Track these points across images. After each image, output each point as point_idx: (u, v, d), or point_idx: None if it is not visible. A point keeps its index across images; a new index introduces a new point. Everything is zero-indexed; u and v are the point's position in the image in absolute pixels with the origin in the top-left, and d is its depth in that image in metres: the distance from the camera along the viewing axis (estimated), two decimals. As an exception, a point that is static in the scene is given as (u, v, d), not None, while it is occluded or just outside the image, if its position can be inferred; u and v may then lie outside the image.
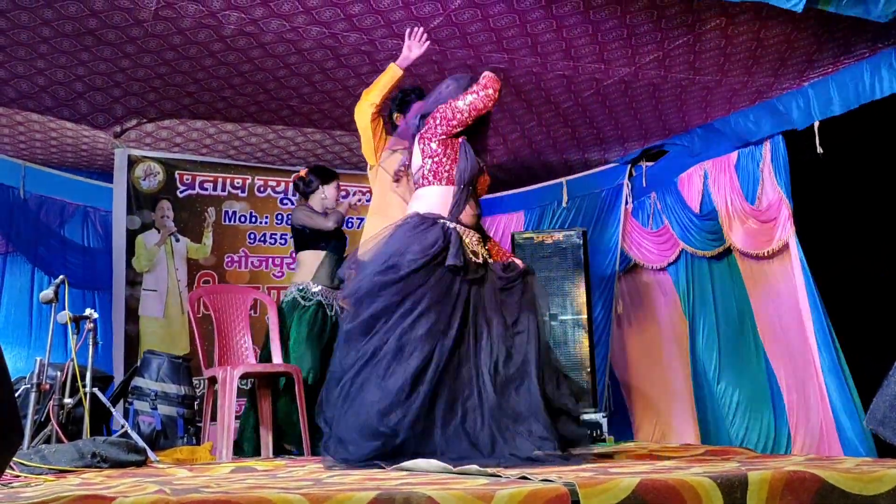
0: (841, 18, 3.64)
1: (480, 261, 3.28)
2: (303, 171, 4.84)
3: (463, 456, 2.90)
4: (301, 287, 4.76)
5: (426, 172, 3.35)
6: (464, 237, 3.27)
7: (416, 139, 3.44)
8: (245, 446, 4.62)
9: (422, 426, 3.00)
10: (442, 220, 3.26)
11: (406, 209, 3.46)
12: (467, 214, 3.33)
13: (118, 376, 5.35)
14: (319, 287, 4.75)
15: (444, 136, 3.33)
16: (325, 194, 4.95)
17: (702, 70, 4.57)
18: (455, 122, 3.32)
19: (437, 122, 3.34)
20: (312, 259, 4.80)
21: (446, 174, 3.33)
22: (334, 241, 4.86)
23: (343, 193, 5.43)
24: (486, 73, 3.41)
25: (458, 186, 3.31)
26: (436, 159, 3.33)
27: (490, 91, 3.33)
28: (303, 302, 4.71)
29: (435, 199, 3.32)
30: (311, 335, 4.64)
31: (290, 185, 6.14)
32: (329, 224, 4.78)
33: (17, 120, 5.43)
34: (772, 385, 4.92)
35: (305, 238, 4.83)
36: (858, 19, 3.43)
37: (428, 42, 4.02)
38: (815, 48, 4.23)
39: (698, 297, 5.49)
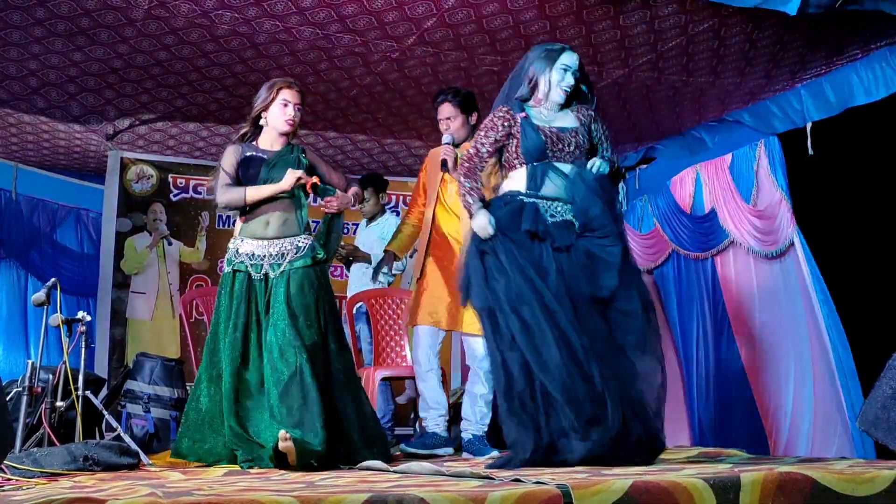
0: (832, 19, 3.65)
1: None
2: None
3: None
4: None
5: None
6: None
7: None
8: None
9: None
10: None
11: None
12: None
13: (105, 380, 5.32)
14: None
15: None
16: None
17: (695, 72, 4.58)
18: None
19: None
20: None
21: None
22: None
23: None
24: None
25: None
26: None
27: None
28: None
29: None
30: None
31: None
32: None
33: (9, 122, 5.42)
34: (753, 387, 4.93)
35: None
36: (851, 18, 3.44)
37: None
38: (808, 49, 4.24)
39: (687, 299, 5.50)
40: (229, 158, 3.63)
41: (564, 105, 3.38)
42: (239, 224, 3.73)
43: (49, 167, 6.16)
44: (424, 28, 4.16)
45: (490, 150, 3.35)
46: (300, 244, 3.60)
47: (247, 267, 3.59)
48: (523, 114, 3.34)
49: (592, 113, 3.43)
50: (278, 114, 3.61)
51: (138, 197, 6.01)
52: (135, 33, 4.27)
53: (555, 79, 3.33)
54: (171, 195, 6.11)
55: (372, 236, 5.32)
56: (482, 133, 3.36)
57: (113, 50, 4.46)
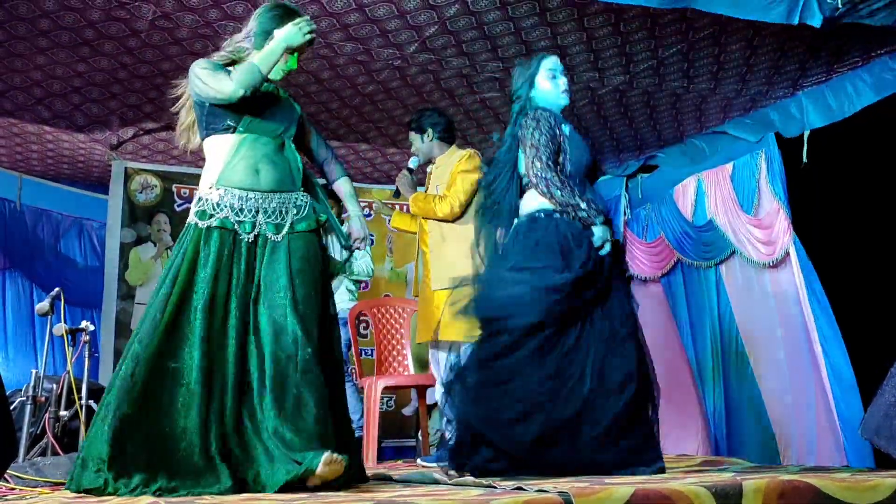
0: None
1: None
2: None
3: None
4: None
5: None
6: None
7: None
8: None
9: None
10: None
11: None
12: None
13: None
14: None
15: None
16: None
17: (696, 78, 4.58)
18: None
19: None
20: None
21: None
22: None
23: None
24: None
25: None
26: None
27: None
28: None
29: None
30: None
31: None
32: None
33: (13, 132, 5.45)
34: (761, 396, 4.91)
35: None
36: (851, 26, 3.44)
37: None
38: (809, 56, 4.24)
39: (692, 308, 5.48)
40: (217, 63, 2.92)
41: None
42: (212, 170, 2.93)
43: (53, 177, 6.17)
44: (426, 35, 4.17)
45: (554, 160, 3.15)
46: (299, 202, 2.93)
47: (233, 223, 2.81)
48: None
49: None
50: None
51: (142, 207, 6.02)
52: (139, 44, 4.29)
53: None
54: (176, 205, 6.12)
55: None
56: (541, 145, 3.15)
57: (117, 60, 4.48)
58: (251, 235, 2.82)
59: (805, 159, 4.46)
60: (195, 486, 2.50)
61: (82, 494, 2.54)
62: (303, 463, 2.48)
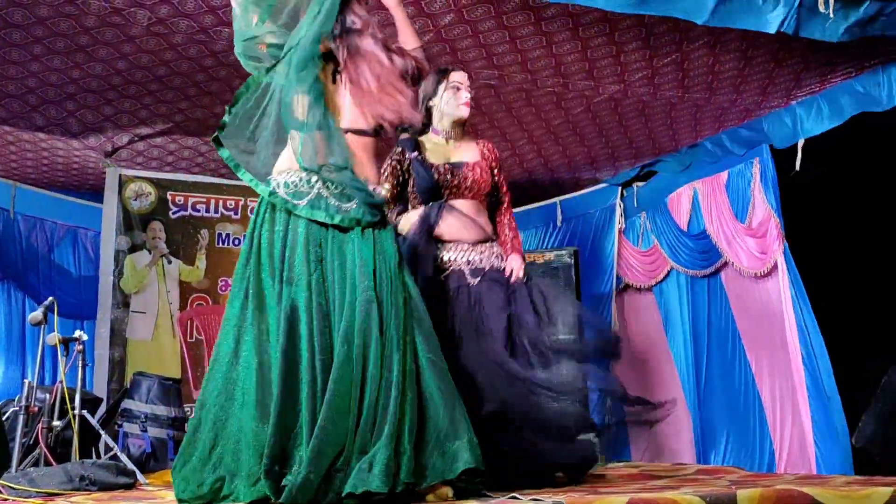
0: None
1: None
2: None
3: None
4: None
5: None
6: None
7: None
8: None
9: None
10: None
11: None
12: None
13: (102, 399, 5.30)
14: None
15: None
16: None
17: (690, 88, 4.59)
18: None
19: None
20: None
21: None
22: None
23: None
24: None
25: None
26: None
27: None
28: None
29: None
30: None
31: None
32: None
33: (7, 140, 5.43)
34: (757, 403, 4.91)
35: None
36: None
37: None
38: (803, 67, 4.25)
39: (686, 316, 5.49)
40: None
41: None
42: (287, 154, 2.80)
43: (47, 185, 6.15)
44: (421, 44, 4.16)
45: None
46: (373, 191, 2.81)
47: (325, 206, 2.67)
48: None
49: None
50: None
51: (137, 215, 6.01)
52: (133, 49, 4.28)
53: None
54: (171, 213, 6.10)
55: None
56: None
57: (112, 66, 4.48)
58: (335, 222, 2.76)
59: (797, 168, 4.46)
60: None
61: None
62: None
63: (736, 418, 5.05)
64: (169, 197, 6.09)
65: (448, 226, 3.27)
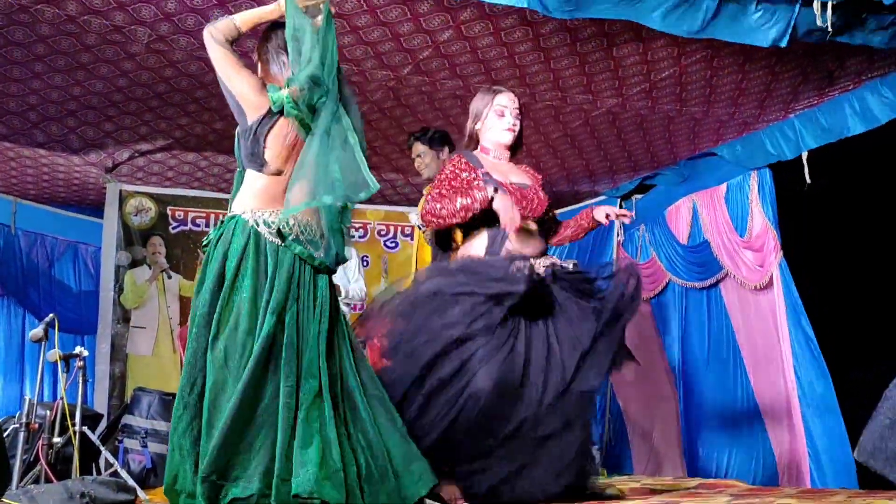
0: (825, 49, 3.68)
1: None
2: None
3: None
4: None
5: None
6: None
7: None
8: None
9: None
10: None
11: None
12: None
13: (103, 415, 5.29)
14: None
15: None
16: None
17: (688, 101, 4.61)
18: None
19: None
20: None
21: None
22: None
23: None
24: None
25: None
26: None
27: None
28: None
29: None
30: None
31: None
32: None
33: (8, 156, 5.45)
34: (757, 416, 4.90)
35: None
36: (841, 51, 3.47)
37: None
38: (801, 79, 4.27)
39: (685, 329, 5.49)
40: None
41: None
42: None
43: (48, 201, 6.16)
44: (420, 58, 4.19)
45: None
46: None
47: (304, 244, 2.80)
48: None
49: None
50: None
51: (137, 230, 6.01)
52: (134, 67, 4.30)
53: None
54: (171, 228, 6.12)
55: None
56: None
57: (112, 83, 4.50)
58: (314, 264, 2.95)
59: (808, 180, 4.47)
60: None
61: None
62: None
63: (736, 431, 5.04)
64: (169, 212, 6.10)
65: (511, 244, 3.23)
